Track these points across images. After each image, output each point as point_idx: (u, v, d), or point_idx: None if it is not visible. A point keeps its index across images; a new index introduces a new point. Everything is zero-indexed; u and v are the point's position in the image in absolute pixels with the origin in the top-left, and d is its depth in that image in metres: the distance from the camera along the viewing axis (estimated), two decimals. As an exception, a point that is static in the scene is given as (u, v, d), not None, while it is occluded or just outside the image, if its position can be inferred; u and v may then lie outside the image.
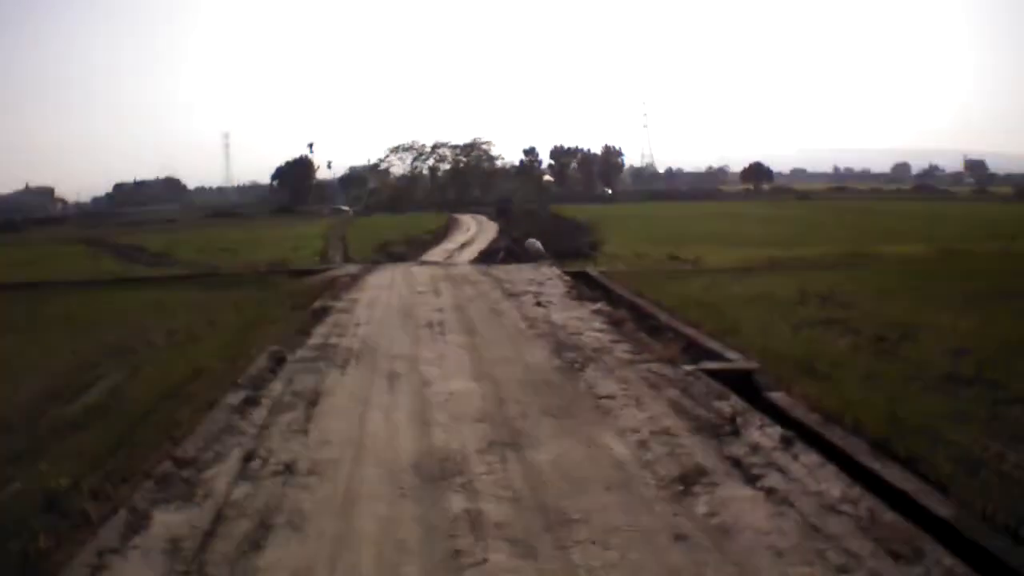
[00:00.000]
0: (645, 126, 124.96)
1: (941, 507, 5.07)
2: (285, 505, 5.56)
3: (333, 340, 11.57)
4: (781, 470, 5.98)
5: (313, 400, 8.32)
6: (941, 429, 6.56)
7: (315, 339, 11.69)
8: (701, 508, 5.41)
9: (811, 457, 6.20)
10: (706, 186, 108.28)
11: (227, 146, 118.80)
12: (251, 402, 8.18)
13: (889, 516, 5.05)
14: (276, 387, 8.87)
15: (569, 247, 27.82)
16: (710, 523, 5.16)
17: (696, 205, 69.59)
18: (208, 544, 4.97)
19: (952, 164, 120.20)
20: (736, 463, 6.19)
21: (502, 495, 5.69)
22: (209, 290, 18.11)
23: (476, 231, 42.93)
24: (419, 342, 11.42)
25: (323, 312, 14.04)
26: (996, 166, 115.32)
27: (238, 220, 69.74)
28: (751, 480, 5.84)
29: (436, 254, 29.44)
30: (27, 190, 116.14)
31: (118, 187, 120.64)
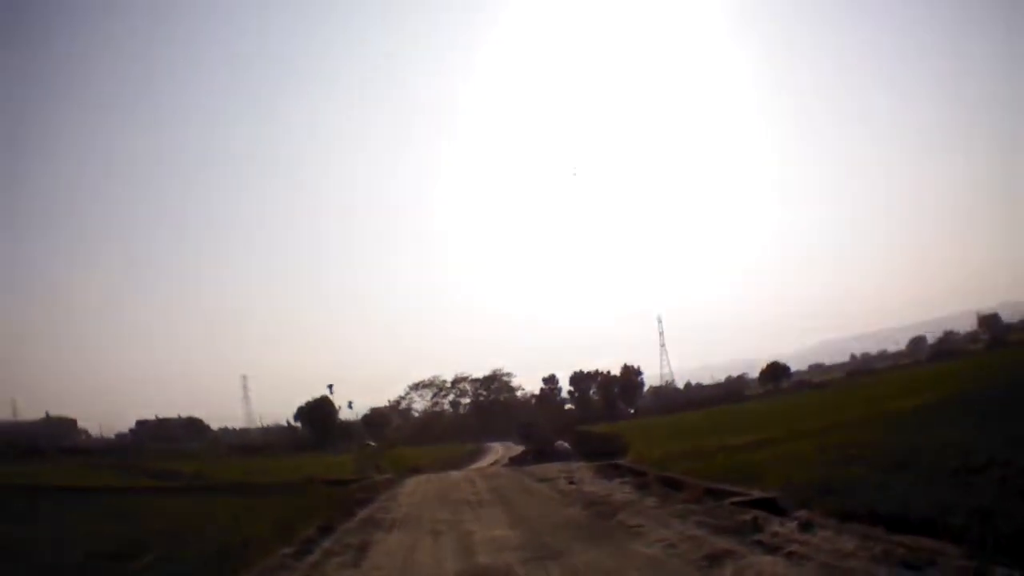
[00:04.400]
0: (662, 345, 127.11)
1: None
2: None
3: (378, 516, 12.14)
4: (800, 543, 6.51)
5: (362, 548, 8.88)
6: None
7: (360, 516, 12.23)
8: (727, 571, 5.95)
9: (827, 533, 6.73)
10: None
11: (246, 388, 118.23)
12: (303, 552, 8.74)
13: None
14: (325, 544, 9.43)
15: (597, 451, 28.16)
16: (735, 576, 5.70)
17: (717, 409, 69.40)
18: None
19: (968, 325, 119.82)
20: (758, 543, 6.73)
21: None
22: (247, 497, 18.21)
23: (505, 453, 43.35)
24: (459, 513, 11.94)
25: (366, 501, 14.61)
26: (1012, 315, 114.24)
27: (266, 456, 66.95)
28: (772, 551, 6.38)
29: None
30: (48, 419, 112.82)
31: (140, 424, 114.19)
